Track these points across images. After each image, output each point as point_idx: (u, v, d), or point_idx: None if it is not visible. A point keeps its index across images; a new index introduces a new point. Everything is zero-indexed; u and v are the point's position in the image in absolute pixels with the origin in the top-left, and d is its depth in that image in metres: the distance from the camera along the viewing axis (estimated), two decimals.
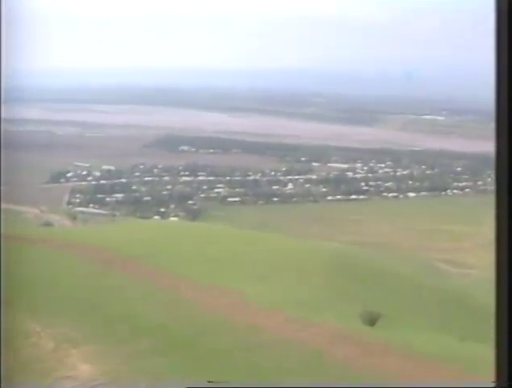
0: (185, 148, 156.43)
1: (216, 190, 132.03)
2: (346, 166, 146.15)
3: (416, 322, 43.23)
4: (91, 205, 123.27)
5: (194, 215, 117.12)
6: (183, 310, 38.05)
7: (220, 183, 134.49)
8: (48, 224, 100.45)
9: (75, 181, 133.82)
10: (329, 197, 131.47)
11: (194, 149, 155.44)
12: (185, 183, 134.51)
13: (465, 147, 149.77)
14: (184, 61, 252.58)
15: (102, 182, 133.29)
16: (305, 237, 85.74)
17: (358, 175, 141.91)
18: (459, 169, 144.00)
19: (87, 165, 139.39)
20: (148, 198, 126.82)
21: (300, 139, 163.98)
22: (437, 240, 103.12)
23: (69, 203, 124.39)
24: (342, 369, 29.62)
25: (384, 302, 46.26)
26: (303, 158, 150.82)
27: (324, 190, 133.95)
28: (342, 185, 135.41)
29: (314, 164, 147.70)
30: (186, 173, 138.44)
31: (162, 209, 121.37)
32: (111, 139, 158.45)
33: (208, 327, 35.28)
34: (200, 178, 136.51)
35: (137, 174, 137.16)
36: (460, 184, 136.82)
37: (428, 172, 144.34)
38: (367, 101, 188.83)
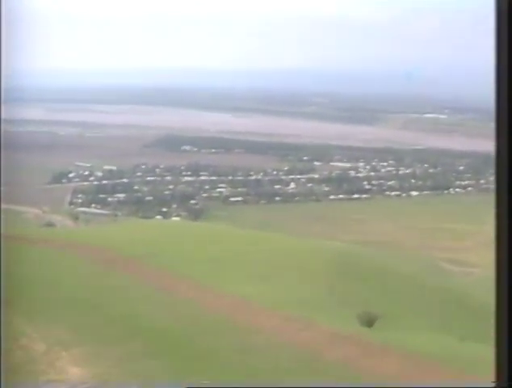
0: (187, 148, 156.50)
1: (218, 190, 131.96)
2: (348, 165, 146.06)
3: (416, 322, 43.16)
4: (93, 205, 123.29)
5: (196, 215, 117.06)
6: (185, 310, 38.00)
7: (222, 182, 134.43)
8: (50, 224, 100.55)
9: (77, 181, 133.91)
10: (332, 196, 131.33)
11: (196, 149, 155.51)
12: (187, 182, 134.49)
13: (467, 145, 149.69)
14: (184, 61, 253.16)
15: (104, 182, 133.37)
16: (308, 236, 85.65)
17: (360, 174, 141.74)
18: (461, 167, 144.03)
19: (88, 165, 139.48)
20: (150, 198, 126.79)
21: (301, 138, 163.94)
22: (439, 239, 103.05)
23: (71, 203, 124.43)
24: (342, 369, 29.55)
25: (387, 301, 46.21)
26: (305, 158, 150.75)
27: (326, 189, 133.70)
28: (344, 184, 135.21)
29: (316, 163, 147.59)
30: (188, 173, 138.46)
31: (164, 209, 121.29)
32: (112, 139, 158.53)
33: (209, 327, 35.23)
34: (202, 178, 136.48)
35: (139, 174, 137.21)
36: (463, 183, 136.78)
37: (430, 171, 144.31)
38: (368, 100, 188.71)
